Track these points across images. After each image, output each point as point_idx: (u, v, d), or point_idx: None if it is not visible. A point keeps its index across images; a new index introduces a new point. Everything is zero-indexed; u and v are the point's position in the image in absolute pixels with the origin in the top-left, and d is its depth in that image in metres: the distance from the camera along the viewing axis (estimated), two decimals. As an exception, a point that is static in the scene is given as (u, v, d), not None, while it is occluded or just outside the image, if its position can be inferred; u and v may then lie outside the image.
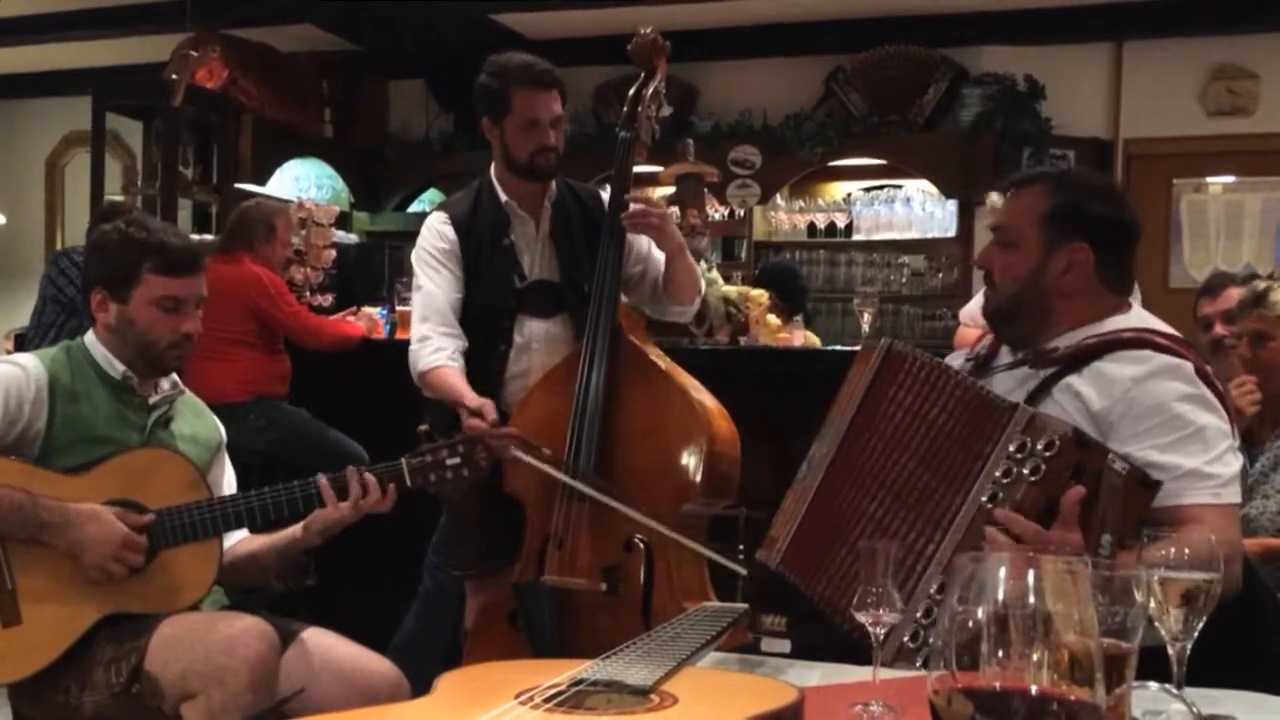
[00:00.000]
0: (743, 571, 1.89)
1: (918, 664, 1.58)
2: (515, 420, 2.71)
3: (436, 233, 2.84)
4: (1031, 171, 1.97)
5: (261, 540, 2.33)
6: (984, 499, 1.63)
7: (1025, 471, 1.60)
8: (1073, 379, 1.79)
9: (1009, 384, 1.87)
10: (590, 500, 2.53)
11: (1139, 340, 1.80)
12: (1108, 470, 1.59)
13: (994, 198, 4.84)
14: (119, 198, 6.76)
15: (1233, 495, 1.75)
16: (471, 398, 2.57)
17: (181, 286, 2.26)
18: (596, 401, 2.60)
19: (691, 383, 2.66)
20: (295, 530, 2.24)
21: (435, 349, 2.71)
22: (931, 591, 1.64)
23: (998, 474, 1.62)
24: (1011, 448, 1.62)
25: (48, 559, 2.10)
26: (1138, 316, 1.89)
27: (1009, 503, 1.61)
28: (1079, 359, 1.81)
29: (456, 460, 2.24)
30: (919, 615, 1.63)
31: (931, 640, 1.56)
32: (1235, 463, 1.78)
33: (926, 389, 1.75)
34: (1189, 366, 1.78)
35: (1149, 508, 1.66)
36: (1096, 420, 1.75)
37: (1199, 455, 1.72)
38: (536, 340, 2.83)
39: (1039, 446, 1.60)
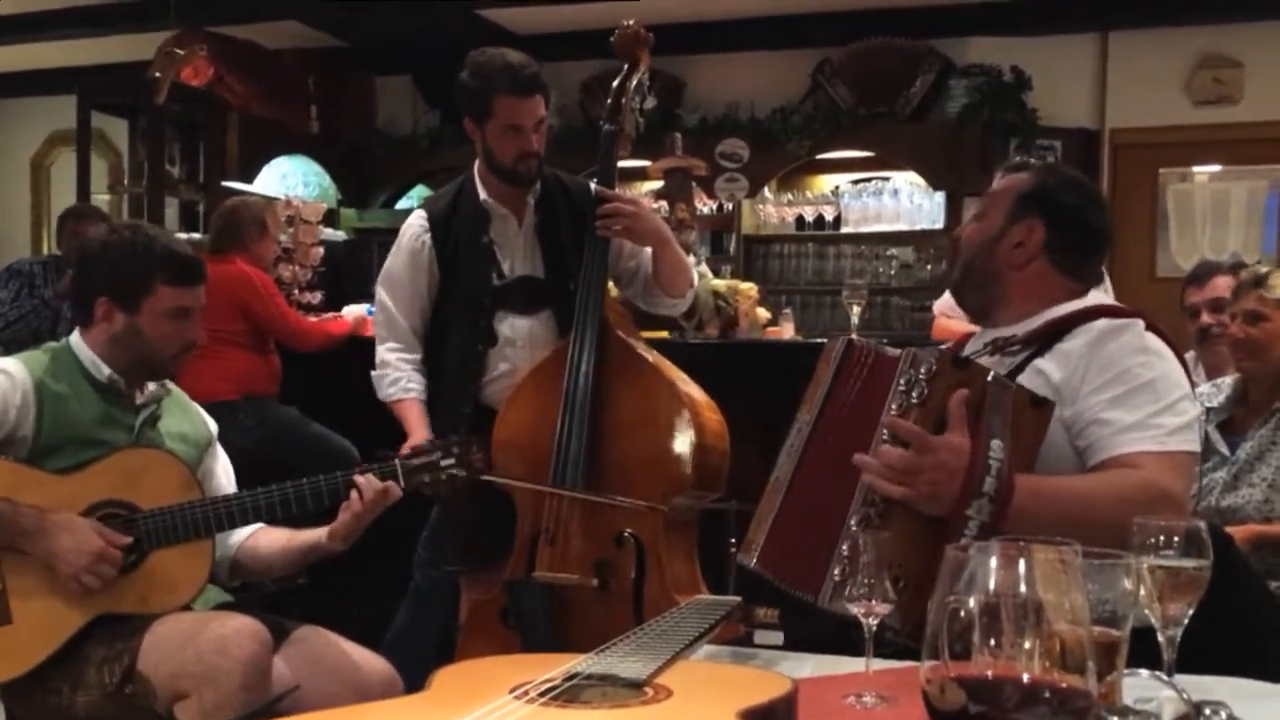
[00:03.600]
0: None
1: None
2: (503, 416, 2.71)
3: (410, 234, 2.87)
4: (1031, 160, 2.06)
5: (282, 536, 2.32)
6: (884, 438, 1.68)
7: (914, 399, 1.68)
8: (1038, 361, 1.86)
9: None
10: (581, 496, 2.53)
11: (1088, 314, 1.89)
12: (991, 385, 1.67)
13: None
14: (105, 196, 6.75)
15: (1180, 443, 1.76)
16: (417, 437, 2.65)
17: (192, 297, 2.29)
18: (585, 396, 2.59)
19: (679, 376, 2.66)
20: (319, 535, 2.23)
21: (393, 380, 2.83)
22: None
23: (894, 409, 1.69)
24: (901, 384, 1.69)
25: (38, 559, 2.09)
26: (1091, 299, 1.96)
27: None
28: (1040, 343, 1.88)
29: (451, 461, 2.24)
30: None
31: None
32: (1190, 410, 1.81)
33: (874, 377, 1.78)
34: (1139, 324, 1.85)
35: (1046, 428, 1.72)
36: (1060, 391, 1.80)
37: (1146, 407, 1.76)
38: (520, 338, 2.82)
39: (921, 374, 1.68)
